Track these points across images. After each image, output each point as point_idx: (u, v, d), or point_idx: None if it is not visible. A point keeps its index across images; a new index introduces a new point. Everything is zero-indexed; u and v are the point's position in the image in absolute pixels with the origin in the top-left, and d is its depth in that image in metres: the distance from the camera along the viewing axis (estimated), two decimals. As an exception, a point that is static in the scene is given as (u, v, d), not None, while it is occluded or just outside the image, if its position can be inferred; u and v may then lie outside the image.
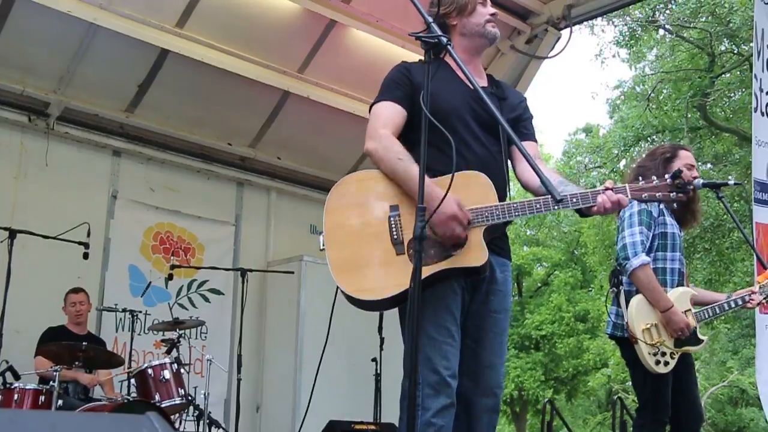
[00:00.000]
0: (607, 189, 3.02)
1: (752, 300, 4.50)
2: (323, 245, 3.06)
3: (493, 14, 3.44)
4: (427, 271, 2.90)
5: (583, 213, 3.11)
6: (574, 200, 3.04)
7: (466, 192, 3.02)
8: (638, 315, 4.32)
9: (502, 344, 3.29)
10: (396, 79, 3.27)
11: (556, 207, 2.99)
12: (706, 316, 4.45)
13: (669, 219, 4.50)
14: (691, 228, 4.82)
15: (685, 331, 4.27)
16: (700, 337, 4.44)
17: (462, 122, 3.23)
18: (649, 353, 4.25)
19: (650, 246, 4.43)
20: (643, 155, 4.79)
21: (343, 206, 3.08)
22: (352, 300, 3.01)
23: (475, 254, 3.01)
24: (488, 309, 3.23)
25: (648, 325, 4.29)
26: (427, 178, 2.76)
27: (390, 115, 3.20)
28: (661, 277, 4.43)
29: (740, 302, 4.53)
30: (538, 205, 3.04)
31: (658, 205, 4.47)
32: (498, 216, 3.03)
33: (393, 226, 3.04)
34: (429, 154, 2.75)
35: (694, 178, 4.49)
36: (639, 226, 4.39)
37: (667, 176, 3.12)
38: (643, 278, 4.32)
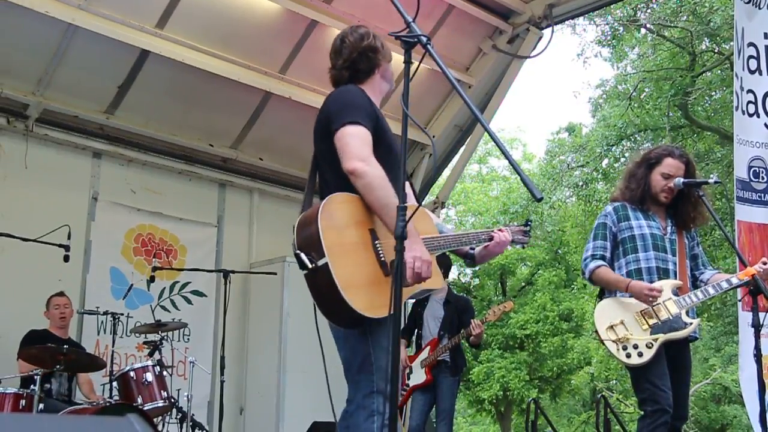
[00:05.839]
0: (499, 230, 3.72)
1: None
2: (312, 264, 3.10)
3: None
4: (407, 293, 3.21)
5: (476, 259, 3.74)
6: (482, 237, 3.69)
7: (418, 223, 3.26)
8: (601, 317, 4.58)
9: None
10: (368, 109, 3.38)
11: (482, 237, 3.70)
12: (688, 302, 4.52)
13: (637, 221, 4.69)
14: (700, 224, 4.90)
15: (651, 293, 4.40)
16: (686, 321, 4.49)
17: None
18: (616, 349, 4.44)
19: (619, 251, 4.70)
20: (635, 159, 4.88)
21: (335, 227, 3.16)
22: (352, 316, 3.08)
23: (437, 278, 3.36)
24: None
25: (612, 324, 4.50)
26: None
27: (369, 143, 3.29)
28: (637, 278, 4.58)
29: (725, 285, 4.54)
30: (470, 238, 3.67)
31: (623, 210, 4.72)
32: (449, 245, 3.55)
33: (378, 248, 3.21)
34: None
35: (668, 187, 4.60)
36: (593, 241, 4.74)
37: (523, 227, 3.92)
38: (597, 280, 4.68)
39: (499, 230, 3.73)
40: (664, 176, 4.63)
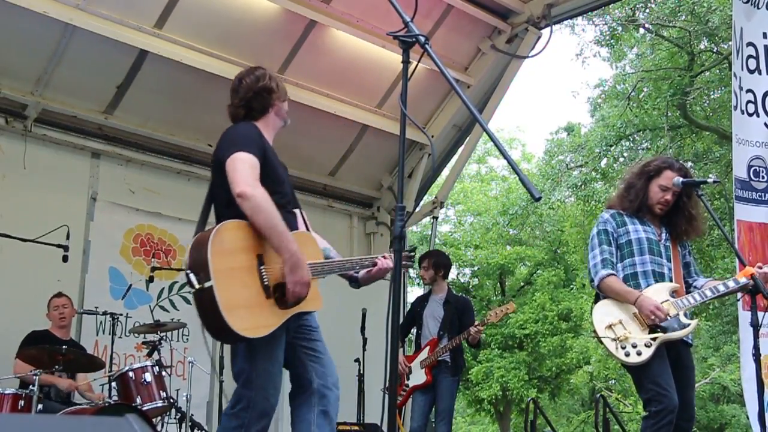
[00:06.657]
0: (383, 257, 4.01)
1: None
2: (200, 284, 3.28)
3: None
4: (288, 313, 3.51)
5: (360, 282, 4.09)
6: (366, 263, 3.99)
7: (305, 249, 3.56)
8: (599, 317, 4.60)
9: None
10: (257, 141, 3.69)
11: (366, 262, 4.03)
12: (686, 304, 4.56)
13: (633, 226, 4.76)
14: (693, 238, 4.97)
15: (656, 312, 4.42)
16: (685, 322, 4.52)
17: (290, 189, 3.87)
18: (615, 348, 4.46)
19: (620, 255, 4.75)
20: (634, 170, 4.90)
21: (224, 252, 3.36)
22: (233, 336, 3.32)
23: (317, 301, 3.68)
24: (310, 325, 3.85)
25: (610, 323, 4.53)
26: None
27: (257, 169, 3.57)
28: (634, 281, 4.66)
29: (723, 288, 4.56)
30: (351, 264, 3.99)
31: (619, 217, 4.79)
32: (333, 270, 3.82)
33: (263, 273, 3.44)
34: None
35: (665, 200, 4.67)
36: (599, 246, 4.74)
37: (409, 252, 4.23)
38: (607, 289, 4.66)
39: (383, 257, 4.04)
40: (662, 188, 4.70)
